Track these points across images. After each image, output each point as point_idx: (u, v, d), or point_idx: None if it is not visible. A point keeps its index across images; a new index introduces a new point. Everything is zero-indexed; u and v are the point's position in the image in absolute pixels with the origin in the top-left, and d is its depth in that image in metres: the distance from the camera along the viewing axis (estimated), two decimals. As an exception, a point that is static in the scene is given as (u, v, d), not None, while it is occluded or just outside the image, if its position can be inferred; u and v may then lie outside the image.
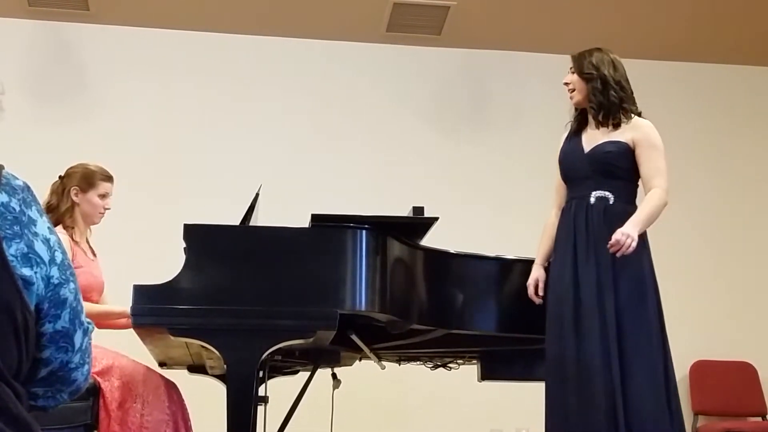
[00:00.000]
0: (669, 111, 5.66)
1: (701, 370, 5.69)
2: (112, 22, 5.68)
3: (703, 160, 6.05)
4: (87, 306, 1.42)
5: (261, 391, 3.10)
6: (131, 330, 2.93)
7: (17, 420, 1.22)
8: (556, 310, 3.16)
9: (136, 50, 5.74)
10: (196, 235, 2.86)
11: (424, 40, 5.90)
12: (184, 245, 2.85)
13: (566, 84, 3.32)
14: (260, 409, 3.11)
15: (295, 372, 3.87)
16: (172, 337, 2.81)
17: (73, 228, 3.44)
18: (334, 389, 3.73)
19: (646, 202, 3.13)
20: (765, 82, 6.22)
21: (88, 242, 3.55)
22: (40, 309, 1.31)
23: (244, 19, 5.72)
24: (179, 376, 3.55)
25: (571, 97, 3.33)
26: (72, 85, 5.67)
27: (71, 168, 3.54)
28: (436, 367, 3.86)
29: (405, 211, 3.17)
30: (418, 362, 3.88)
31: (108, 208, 3.54)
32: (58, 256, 1.34)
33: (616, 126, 3.22)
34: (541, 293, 3.27)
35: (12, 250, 1.27)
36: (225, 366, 2.78)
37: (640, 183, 3.25)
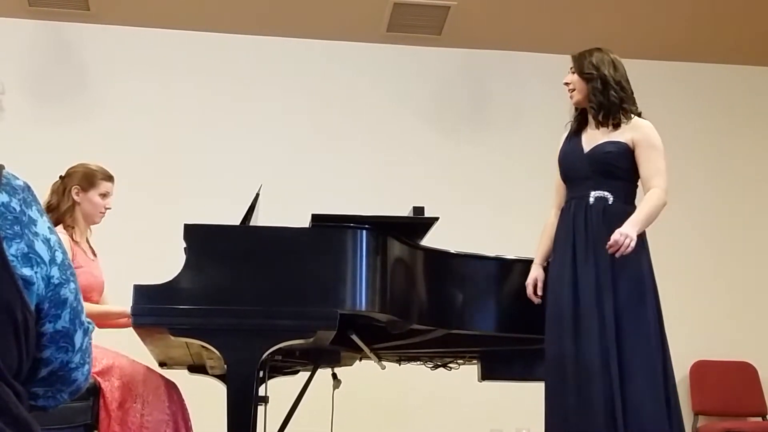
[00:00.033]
0: (669, 111, 5.67)
1: (701, 370, 5.69)
2: (112, 22, 5.69)
3: (703, 160, 6.05)
4: (86, 306, 1.42)
5: (261, 391, 3.10)
6: (131, 330, 2.93)
7: (17, 420, 1.22)
8: (555, 310, 3.16)
9: (136, 50, 5.74)
10: (196, 235, 2.86)
11: (424, 40, 5.90)
12: (184, 245, 2.85)
13: (566, 84, 3.32)
14: (260, 409, 3.11)
15: (295, 372, 3.87)
16: (172, 337, 2.81)
17: (73, 228, 3.44)
18: (334, 389, 3.73)
19: (645, 202, 3.13)
20: (765, 82, 6.22)
21: (88, 242, 3.55)
22: (40, 309, 1.31)
23: (244, 19, 5.72)
24: (179, 376, 3.55)
25: (571, 97, 3.33)
26: (72, 85, 5.67)
27: (72, 168, 3.54)
28: (436, 367, 3.86)
29: (405, 211, 3.17)
30: (418, 362, 3.88)
31: (108, 208, 3.54)
32: (59, 256, 1.34)
33: (616, 126, 3.22)
34: (539, 293, 3.27)
35: (12, 250, 1.27)
36: (225, 366, 2.78)
37: (639, 184, 3.25)
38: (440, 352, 3.66)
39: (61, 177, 3.53)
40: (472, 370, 3.84)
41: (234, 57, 5.82)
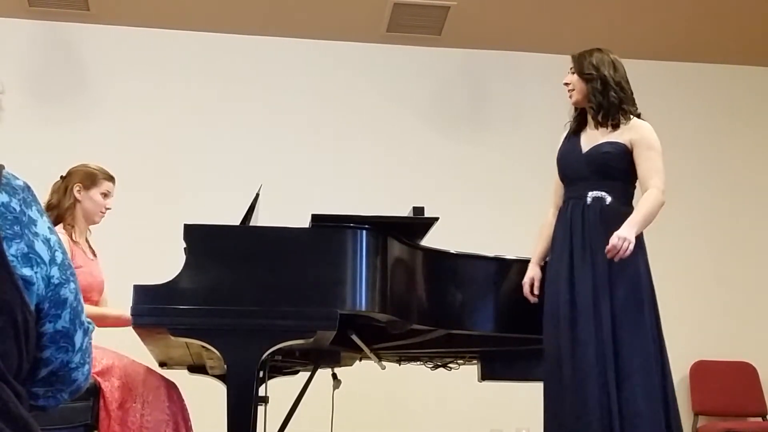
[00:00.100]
0: (669, 111, 5.67)
1: (701, 370, 5.69)
2: (112, 22, 5.69)
3: (703, 160, 6.05)
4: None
5: (261, 391, 3.09)
6: (131, 330, 2.93)
7: (17, 420, 1.22)
8: (552, 310, 3.15)
9: (136, 50, 5.74)
10: (196, 235, 2.86)
11: (424, 40, 5.90)
12: (184, 245, 2.85)
13: (566, 84, 3.32)
14: (260, 409, 3.11)
15: (295, 372, 3.87)
16: (172, 338, 2.80)
17: (73, 227, 3.43)
18: (334, 389, 3.74)
19: (642, 203, 3.11)
20: (765, 82, 6.22)
21: (88, 242, 3.55)
22: (40, 309, 1.31)
23: (244, 19, 5.72)
24: (179, 376, 3.55)
25: (570, 97, 3.32)
26: (72, 85, 5.67)
27: (73, 168, 3.54)
28: (436, 367, 3.86)
29: (405, 211, 3.17)
30: (418, 362, 3.88)
31: (109, 208, 3.54)
32: (59, 256, 1.34)
33: (615, 127, 3.22)
34: (536, 292, 3.27)
35: (12, 250, 1.27)
36: (225, 366, 2.78)
37: (637, 185, 3.25)
38: (440, 352, 3.66)
39: (62, 177, 3.53)
40: (472, 370, 3.83)
41: (234, 57, 5.82)
